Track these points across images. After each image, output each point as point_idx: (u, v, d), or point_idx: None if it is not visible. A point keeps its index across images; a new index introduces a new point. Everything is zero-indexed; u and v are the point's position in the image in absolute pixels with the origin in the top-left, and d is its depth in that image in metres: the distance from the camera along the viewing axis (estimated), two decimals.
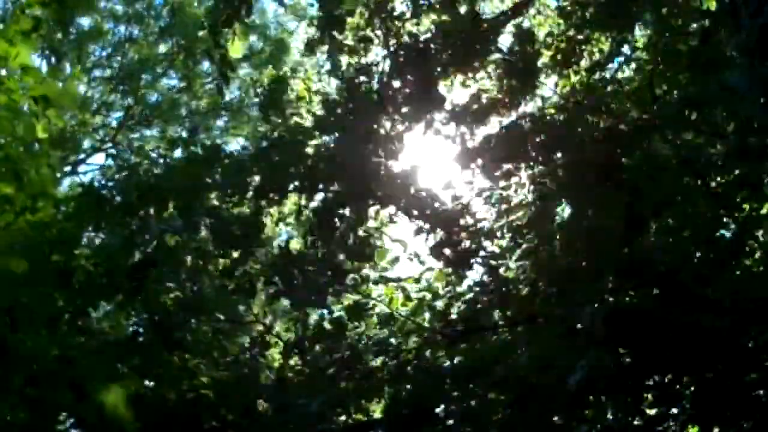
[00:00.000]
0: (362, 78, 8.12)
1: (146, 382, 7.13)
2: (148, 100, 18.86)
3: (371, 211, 7.70)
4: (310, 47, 8.91)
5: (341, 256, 7.69)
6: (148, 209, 7.33)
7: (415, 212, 7.48)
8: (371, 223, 8.02)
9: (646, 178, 6.75)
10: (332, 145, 7.71)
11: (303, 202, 7.87)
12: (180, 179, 7.41)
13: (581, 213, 7.15)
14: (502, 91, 8.64)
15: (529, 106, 8.73)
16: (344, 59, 8.66)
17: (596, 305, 5.04)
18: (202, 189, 7.46)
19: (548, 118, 8.06)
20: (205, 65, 18.97)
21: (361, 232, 7.63)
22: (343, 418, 7.63)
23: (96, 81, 18.48)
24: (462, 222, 7.60)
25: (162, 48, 18.81)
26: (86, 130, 17.31)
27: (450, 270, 7.88)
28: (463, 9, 8.91)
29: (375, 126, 7.71)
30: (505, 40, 9.21)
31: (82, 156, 17.97)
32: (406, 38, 8.54)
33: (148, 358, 7.06)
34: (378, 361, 7.80)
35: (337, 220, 7.41)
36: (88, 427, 6.04)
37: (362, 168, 7.24)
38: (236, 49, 7.71)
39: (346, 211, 7.48)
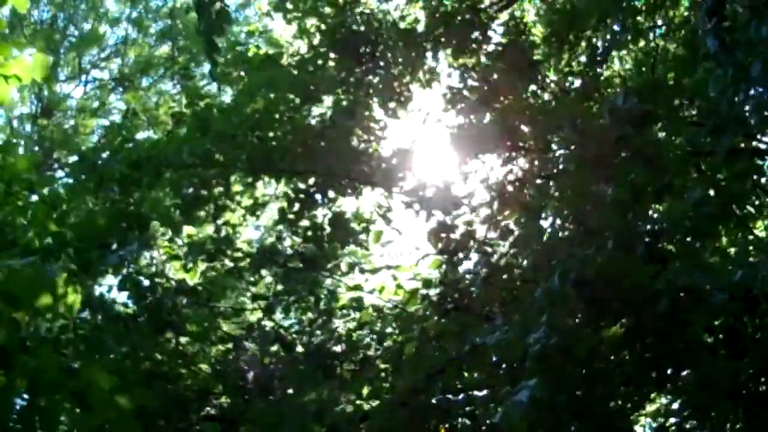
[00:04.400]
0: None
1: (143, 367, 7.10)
2: (146, 103, 18.86)
3: (364, 192, 7.71)
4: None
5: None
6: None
7: (408, 198, 7.46)
8: (364, 207, 8.07)
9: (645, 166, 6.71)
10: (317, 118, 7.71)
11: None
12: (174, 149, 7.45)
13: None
14: (500, 78, 8.62)
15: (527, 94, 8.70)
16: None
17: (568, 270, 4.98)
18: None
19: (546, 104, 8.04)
20: (206, 67, 18.95)
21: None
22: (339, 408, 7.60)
23: (95, 83, 18.53)
24: (457, 209, 7.59)
25: (162, 50, 18.83)
26: (85, 132, 17.32)
27: (445, 257, 7.86)
28: None
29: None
30: (501, 31, 9.24)
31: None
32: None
33: (142, 339, 7.04)
34: (373, 351, 7.81)
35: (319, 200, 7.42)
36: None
37: (348, 147, 7.23)
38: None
39: (330, 194, 7.48)
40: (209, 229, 8.49)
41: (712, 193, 6.52)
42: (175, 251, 8.23)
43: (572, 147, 7.24)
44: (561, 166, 7.41)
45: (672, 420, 7.05)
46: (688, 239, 5.70)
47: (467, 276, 7.61)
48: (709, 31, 6.49)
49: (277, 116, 7.88)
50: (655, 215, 6.35)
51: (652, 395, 6.34)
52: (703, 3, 7.17)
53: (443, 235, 7.55)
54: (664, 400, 7.19)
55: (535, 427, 5.03)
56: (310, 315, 8.45)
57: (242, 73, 8.70)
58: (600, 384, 5.24)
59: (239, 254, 8.24)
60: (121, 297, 7.87)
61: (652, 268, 4.96)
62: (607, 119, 6.49)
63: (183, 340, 7.92)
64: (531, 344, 4.73)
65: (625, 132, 6.28)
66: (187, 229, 8.34)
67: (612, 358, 5.80)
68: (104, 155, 7.68)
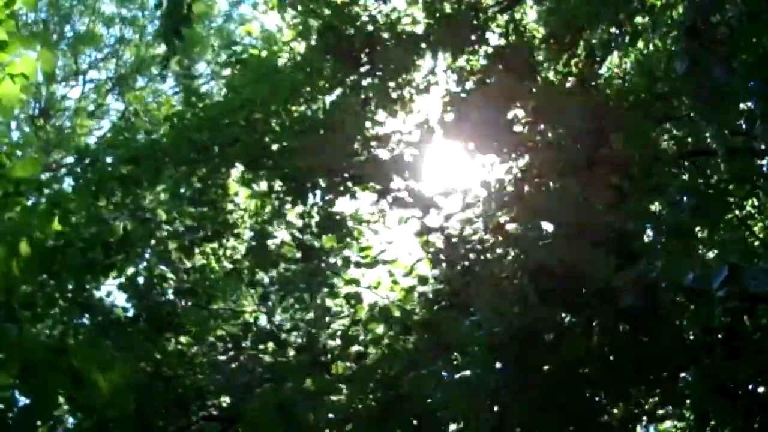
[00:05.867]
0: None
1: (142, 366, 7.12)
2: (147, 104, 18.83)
3: (356, 191, 7.73)
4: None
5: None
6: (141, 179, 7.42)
7: (401, 199, 7.49)
8: (357, 207, 8.09)
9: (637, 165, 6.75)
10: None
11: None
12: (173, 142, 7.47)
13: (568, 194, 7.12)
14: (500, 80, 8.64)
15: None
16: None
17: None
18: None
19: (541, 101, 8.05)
20: (201, 66, 18.96)
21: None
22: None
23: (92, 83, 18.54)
24: (448, 209, 7.63)
25: (158, 50, 18.79)
26: (83, 133, 17.32)
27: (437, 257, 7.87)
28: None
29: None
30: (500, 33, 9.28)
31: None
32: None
33: (142, 339, 7.05)
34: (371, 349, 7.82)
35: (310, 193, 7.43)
36: (86, 412, 6.04)
37: (344, 144, 7.24)
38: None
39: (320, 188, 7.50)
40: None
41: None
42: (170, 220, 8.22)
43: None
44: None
45: (669, 423, 7.11)
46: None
47: (459, 272, 7.64)
48: (682, 51, 6.54)
49: (273, 108, 7.94)
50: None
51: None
52: (683, 22, 7.21)
53: (429, 236, 7.60)
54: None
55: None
56: (311, 315, 8.47)
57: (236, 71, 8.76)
58: (568, 376, 5.24)
59: (239, 255, 8.26)
60: (120, 300, 7.93)
61: (614, 261, 4.94)
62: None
63: (183, 339, 7.94)
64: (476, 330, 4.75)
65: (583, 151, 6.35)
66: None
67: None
68: (104, 152, 7.71)
